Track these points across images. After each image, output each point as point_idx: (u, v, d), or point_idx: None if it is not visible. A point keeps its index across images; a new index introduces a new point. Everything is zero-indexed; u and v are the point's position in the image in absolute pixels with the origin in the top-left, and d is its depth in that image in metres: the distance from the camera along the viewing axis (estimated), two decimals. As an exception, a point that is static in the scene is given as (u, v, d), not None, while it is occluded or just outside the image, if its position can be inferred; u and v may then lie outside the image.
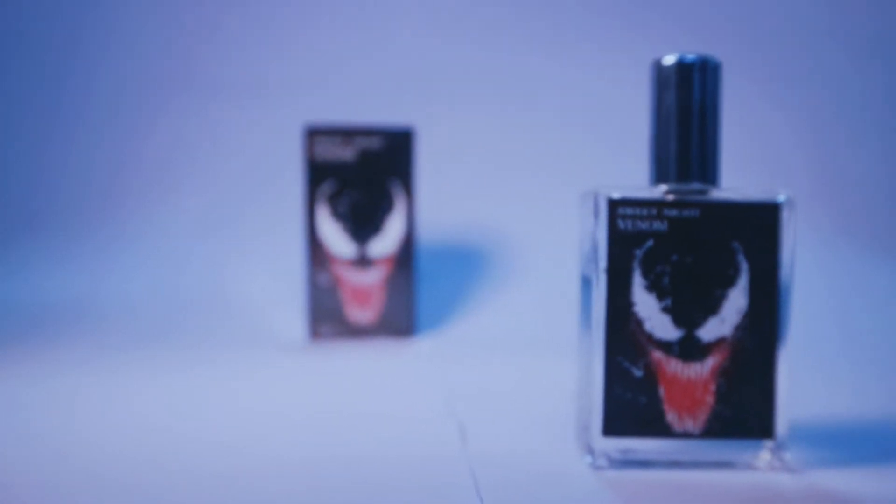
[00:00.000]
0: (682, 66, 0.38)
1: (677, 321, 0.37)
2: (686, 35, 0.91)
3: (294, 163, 0.80)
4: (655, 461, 0.37)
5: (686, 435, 0.37)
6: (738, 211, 0.37)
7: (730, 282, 0.37)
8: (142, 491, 0.35)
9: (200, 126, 0.95)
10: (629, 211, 0.37)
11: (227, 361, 0.63)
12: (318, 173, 0.73)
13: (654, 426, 0.37)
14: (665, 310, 0.37)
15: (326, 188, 0.73)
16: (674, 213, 0.37)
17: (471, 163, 0.92)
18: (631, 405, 0.37)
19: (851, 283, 0.77)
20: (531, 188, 0.91)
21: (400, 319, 0.74)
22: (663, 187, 0.38)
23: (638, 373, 0.37)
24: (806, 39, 0.91)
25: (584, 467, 0.37)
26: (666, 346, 0.37)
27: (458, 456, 0.40)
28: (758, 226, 0.37)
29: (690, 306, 0.37)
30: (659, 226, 0.37)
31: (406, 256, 0.74)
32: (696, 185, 0.38)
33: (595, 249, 0.37)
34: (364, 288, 0.74)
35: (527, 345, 0.70)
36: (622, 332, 0.37)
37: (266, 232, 0.89)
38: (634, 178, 0.80)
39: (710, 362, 0.37)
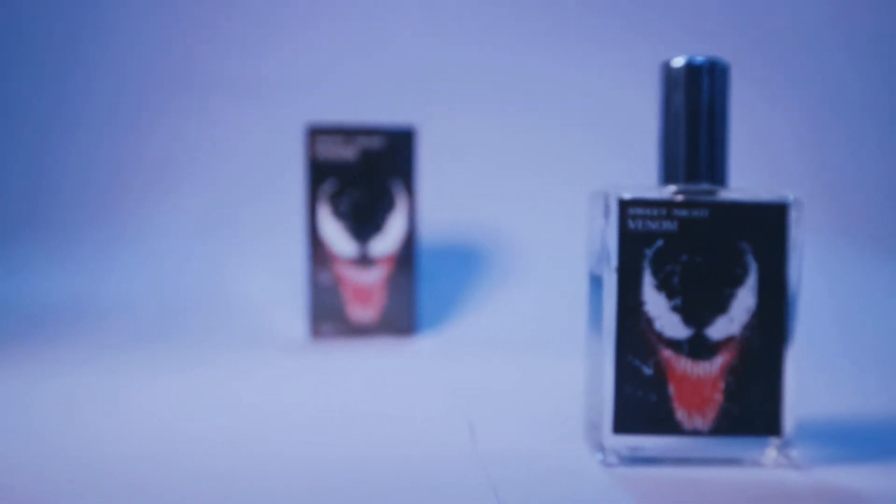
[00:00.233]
0: (691, 68, 0.39)
1: (687, 320, 0.37)
2: (685, 36, 0.91)
3: (296, 162, 0.80)
4: (665, 458, 0.38)
5: (695, 432, 0.38)
6: (746, 211, 0.37)
7: (738, 281, 0.37)
8: (143, 491, 0.35)
9: (202, 125, 0.95)
10: (639, 211, 0.37)
11: (229, 361, 0.63)
12: (320, 172, 0.73)
13: (664, 424, 0.38)
14: (675, 309, 0.37)
15: (328, 187, 0.74)
16: (683, 213, 0.37)
17: (471, 162, 0.93)
18: (641, 403, 0.37)
19: (852, 283, 0.78)
20: (532, 187, 0.92)
21: (401, 318, 0.75)
22: (672, 188, 0.39)
23: (648, 371, 0.37)
24: (805, 40, 0.92)
25: (595, 464, 0.38)
26: (675, 345, 0.37)
27: (466, 454, 0.40)
28: (766, 226, 0.37)
29: (700, 305, 0.37)
30: (669, 226, 0.37)
31: (407, 256, 0.74)
32: (704, 186, 0.38)
33: (605, 249, 0.38)
34: (365, 287, 0.74)
35: (528, 343, 0.71)
36: (632, 331, 0.37)
37: (267, 231, 0.89)
38: (635, 177, 0.80)
39: (719, 361, 0.38)
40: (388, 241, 0.74)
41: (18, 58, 0.96)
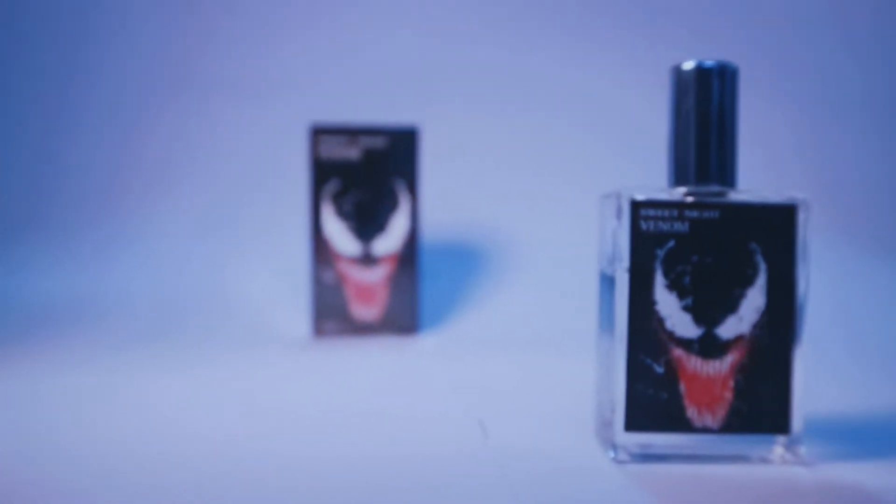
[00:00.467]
0: (702, 72, 0.39)
1: (697, 319, 0.38)
2: (685, 38, 0.92)
3: (300, 162, 0.80)
4: (676, 455, 0.38)
5: (705, 430, 0.38)
6: (756, 212, 0.38)
7: (748, 281, 0.38)
8: (146, 489, 0.35)
9: (206, 125, 0.95)
10: (651, 212, 0.38)
11: (232, 359, 0.64)
12: (324, 172, 0.74)
13: (675, 421, 0.38)
14: (686, 308, 0.38)
15: (331, 187, 0.74)
16: (694, 214, 0.38)
17: (473, 162, 0.93)
18: (653, 401, 0.38)
19: (853, 283, 0.79)
20: (533, 187, 0.92)
21: (404, 317, 0.75)
22: (682, 189, 0.39)
23: (659, 370, 0.38)
24: (804, 41, 0.92)
25: (607, 461, 0.38)
26: (686, 344, 0.38)
27: (473, 452, 0.40)
28: (775, 227, 0.38)
29: (710, 305, 0.38)
30: (680, 227, 0.38)
31: (410, 254, 0.75)
32: (714, 188, 0.39)
33: (618, 249, 0.38)
34: (368, 285, 0.75)
35: (529, 342, 0.71)
36: (644, 330, 0.38)
37: (271, 230, 0.89)
38: (635, 177, 0.81)
39: (729, 359, 0.38)
40: (390, 240, 0.75)
41: (21, 57, 0.96)
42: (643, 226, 0.38)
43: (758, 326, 0.38)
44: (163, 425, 0.45)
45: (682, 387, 0.38)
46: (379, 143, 0.74)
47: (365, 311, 0.75)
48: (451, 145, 0.89)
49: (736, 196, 0.39)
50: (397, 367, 0.64)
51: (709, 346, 0.38)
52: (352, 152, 0.74)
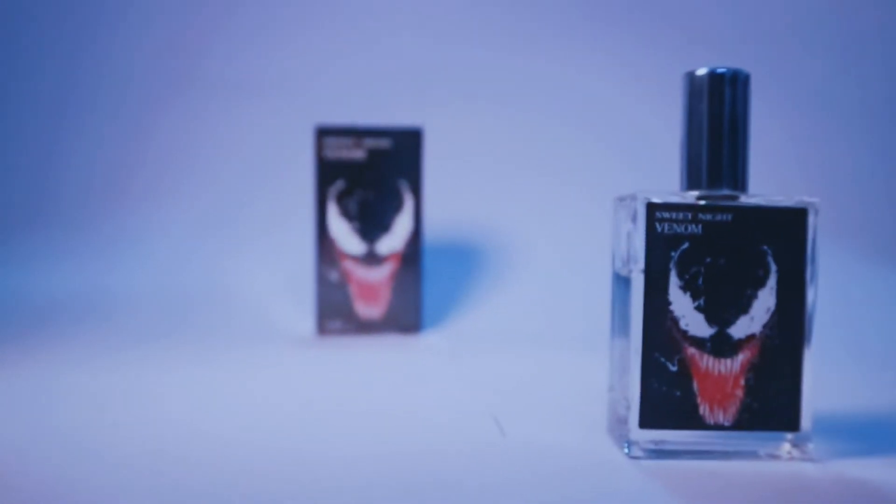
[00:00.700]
0: (714, 78, 0.40)
1: (710, 319, 0.39)
2: (684, 41, 0.93)
3: (305, 162, 0.81)
4: (688, 451, 0.39)
5: (717, 427, 0.39)
6: (768, 215, 0.39)
7: (759, 282, 0.39)
8: (151, 484, 0.35)
9: (214, 127, 0.95)
10: (666, 215, 0.39)
11: (237, 356, 0.64)
12: (329, 172, 0.75)
13: (688, 418, 0.39)
14: (699, 308, 0.39)
15: (336, 187, 0.75)
16: (708, 217, 0.39)
17: (476, 162, 0.94)
18: (666, 398, 0.39)
19: (853, 284, 0.80)
20: (535, 188, 0.93)
21: (407, 315, 0.76)
22: (695, 193, 0.40)
23: (673, 368, 0.39)
24: (804, 41, 0.93)
25: (622, 457, 0.39)
26: (699, 343, 0.39)
27: (485, 448, 0.41)
28: (786, 229, 0.39)
29: (722, 305, 0.39)
30: (694, 229, 0.39)
31: (413, 254, 0.76)
32: (726, 191, 0.40)
33: (633, 251, 0.39)
34: (372, 284, 0.75)
35: (532, 340, 0.72)
36: (659, 330, 0.39)
37: (277, 229, 0.90)
38: (635, 178, 0.82)
39: (741, 358, 0.39)
40: (394, 239, 0.75)
41: (36, 56, 0.96)
42: (658, 228, 0.39)
43: (768, 326, 0.39)
44: (167, 423, 0.45)
45: (695, 385, 0.39)
46: (383, 143, 0.75)
47: (369, 309, 0.75)
48: (454, 146, 0.90)
49: (747, 199, 0.40)
50: (401, 364, 0.65)
51: (721, 346, 0.39)
52: (357, 153, 0.75)
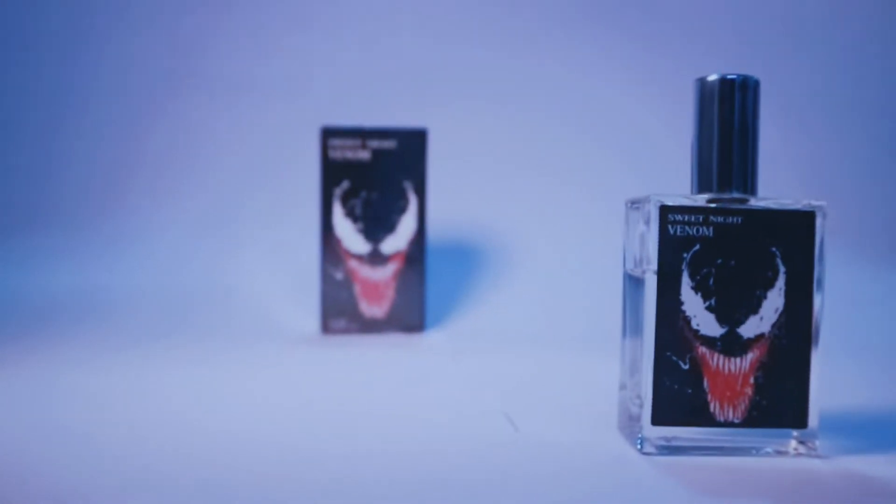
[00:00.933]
0: (725, 84, 0.41)
1: (721, 319, 0.40)
2: (683, 45, 0.94)
3: (311, 162, 0.81)
4: (699, 447, 0.40)
5: (727, 424, 0.40)
6: (777, 218, 0.40)
7: (769, 283, 0.40)
8: (154, 484, 0.35)
9: (219, 127, 0.96)
10: (678, 217, 0.40)
11: (242, 355, 0.65)
12: (334, 173, 0.75)
13: (699, 415, 0.40)
14: (710, 308, 0.40)
15: (342, 187, 0.75)
16: (719, 219, 0.40)
17: (479, 163, 0.94)
18: (678, 396, 0.40)
19: (860, 285, 0.81)
20: (539, 189, 0.94)
21: (410, 315, 0.77)
22: (706, 196, 0.41)
23: (684, 366, 0.40)
24: (804, 42, 0.94)
25: (634, 454, 0.40)
26: (710, 342, 0.40)
27: (492, 445, 0.42)
28: (794, 232, 0.40)
29: (733, 306, 0.40)
30: (705, 231, 0.40)
31: (417, 253, 0.76)
32: (736, 195, 0.41)
33: (646, 252, 0.40)
34: (376, 283, 0.76)
35: (536, 339, 0.73)
36: (671, 329, 0.40)
37: (282, 229, 0.90)
38: (635, 179, 0.83)
39: (750, 357, 0.40)
40: (398, 239, 0.76)
41: (34, 53, 0.96)
42: (671, 230, 0.40)
43: (777, 326, 0.40)
44: (171, 421, 0.45)
45: (706, 382, 0.40)
46: (388, 144, 0.76)
47: (373, 308, 0.76)
48: (458, 147, 0.90)
49: (757, 202, 0.41)
50: (405, 363, 0.65)
51: (731, 345, 0.40)
52: (362, 154, 0.75)
